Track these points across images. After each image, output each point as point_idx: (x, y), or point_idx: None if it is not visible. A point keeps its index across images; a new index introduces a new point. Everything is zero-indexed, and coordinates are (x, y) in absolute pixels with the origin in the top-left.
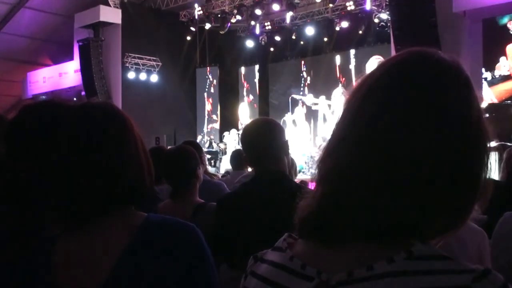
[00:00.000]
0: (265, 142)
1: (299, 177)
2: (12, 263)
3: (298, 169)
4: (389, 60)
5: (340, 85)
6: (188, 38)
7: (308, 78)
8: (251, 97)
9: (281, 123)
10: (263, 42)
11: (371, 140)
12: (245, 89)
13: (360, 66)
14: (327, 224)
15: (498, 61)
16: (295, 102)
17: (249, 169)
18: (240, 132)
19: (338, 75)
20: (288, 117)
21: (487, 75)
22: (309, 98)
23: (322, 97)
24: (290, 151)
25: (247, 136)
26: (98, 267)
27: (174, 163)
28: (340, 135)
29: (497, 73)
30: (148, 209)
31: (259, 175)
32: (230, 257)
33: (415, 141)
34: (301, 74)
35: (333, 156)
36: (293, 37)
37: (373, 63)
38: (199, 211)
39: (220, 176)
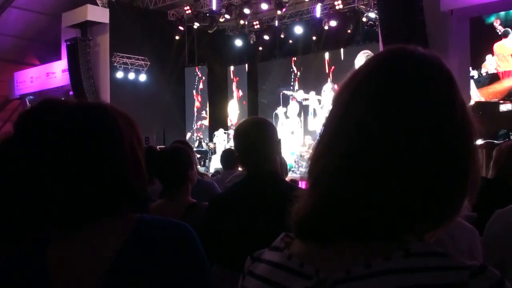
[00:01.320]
0: (257, 142)
1: (289, 176)
2: (5, 265)
3: (288, 168)
4: (372, 60)
5: (329, 80)
6: (177, 37)
7: (297, 77)
8: (240, 95)
9: (273, 117)
10: (251, 41)
11: (360, 140)
12: (234, 88)
13: (349, 65)
14: (323, 224)
15: (484, 60)
16: (286, 98)
17: (240, 169)
18: (229, 131)
19: (327, 74)
20: (280, 110)
21: (473, 73)
22: (299, 94)
23: (312, 93)
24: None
25: (240, 136)
26: (92, 269)
27: (167, 163)
28: (329, 135)
29: (483, 71)
30: (140, 209)
31: (251, 175)
32: (223, 257)
33: (402, 139)
34: (291, 73)
35: (325, 156)
36: (282, 36)
37: (361, 58)
38: (191, 211)
39: (210, 176)
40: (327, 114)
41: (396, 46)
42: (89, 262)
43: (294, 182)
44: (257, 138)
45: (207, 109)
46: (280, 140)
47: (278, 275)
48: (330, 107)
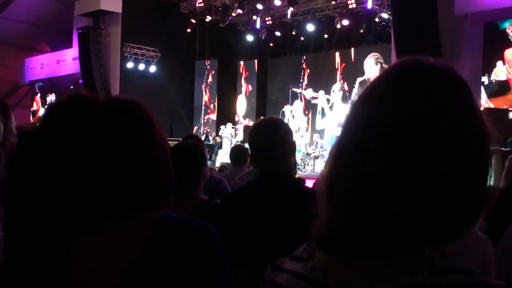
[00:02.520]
0: (273, 143)
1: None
2: (26, 259)
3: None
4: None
5: (338, 80)
6: (188, 30)
7: (307, 75)
8: (249, 91)
9: (280, 115)
10: (263, 37)
11: (384, 159)
12: (243, 83)
13: (359, 65)
14: (346, 238)
15: (495, 66)
16: (294, 95)
17: (249, 167)
18: (237, 126)
19: (337, 73)
20: (287, 108)
21: (484, 79)
22: (308, 92)
23: (321, 92)
24: None
25: (255, 136)
26: (114, 266)
27: (181, 159)
28: (351, 152)
29: (493, 77)
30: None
31: (266, 175)
32: (234, 256)
33: (427, 155)
34: (300, 70)
35: (347, 173)
36: (293, 33)
37: (371, 61)
38: (204, 208)
39: (217, 170)
40: (344, 125)
41: (407, 60)
42: (111, 259)
43: (301, 180)
44: (273, 139)
45: (215, 103)
46: (294, 141)
47: (301, 286)
48: (346, 116)
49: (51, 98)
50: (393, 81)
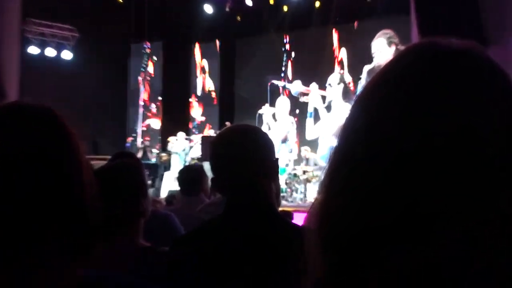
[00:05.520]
0: (246, 161)
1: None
2: None
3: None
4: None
5: (337, 70)
6: (120, 0)
7: (292, 62)
8: (207, 85)
9: (256, 121)
10: (227, 9)
11: (397, 174)
12: (199, 74)
13: (367, 47)
14: None
15: None
16: (275, 91)
17: (210, 196)
18: (192, 137)
19: (335, 59)
20: (266, 111)
21: None
22: (295, 86)
23: (314, 85)
24: None
25: (220, 152)
26: None
27: (108, 189)
28: (349, 165)
29: None
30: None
31: (235, 209)
32: None
33: (455, 172)
34: (282, 55)
35: (344, 203)
36: (271, 2)
37: (381, 41)
38: (144, 259)
39: (164, 202)
40: (341, 134)
41: (422, 44)
42: None
43: (286, 214)
44: (246, 156)
45: (159, 103)
46: (277, 159)
47: None
48: (344, 122)
49: None
50: (404, 73)
